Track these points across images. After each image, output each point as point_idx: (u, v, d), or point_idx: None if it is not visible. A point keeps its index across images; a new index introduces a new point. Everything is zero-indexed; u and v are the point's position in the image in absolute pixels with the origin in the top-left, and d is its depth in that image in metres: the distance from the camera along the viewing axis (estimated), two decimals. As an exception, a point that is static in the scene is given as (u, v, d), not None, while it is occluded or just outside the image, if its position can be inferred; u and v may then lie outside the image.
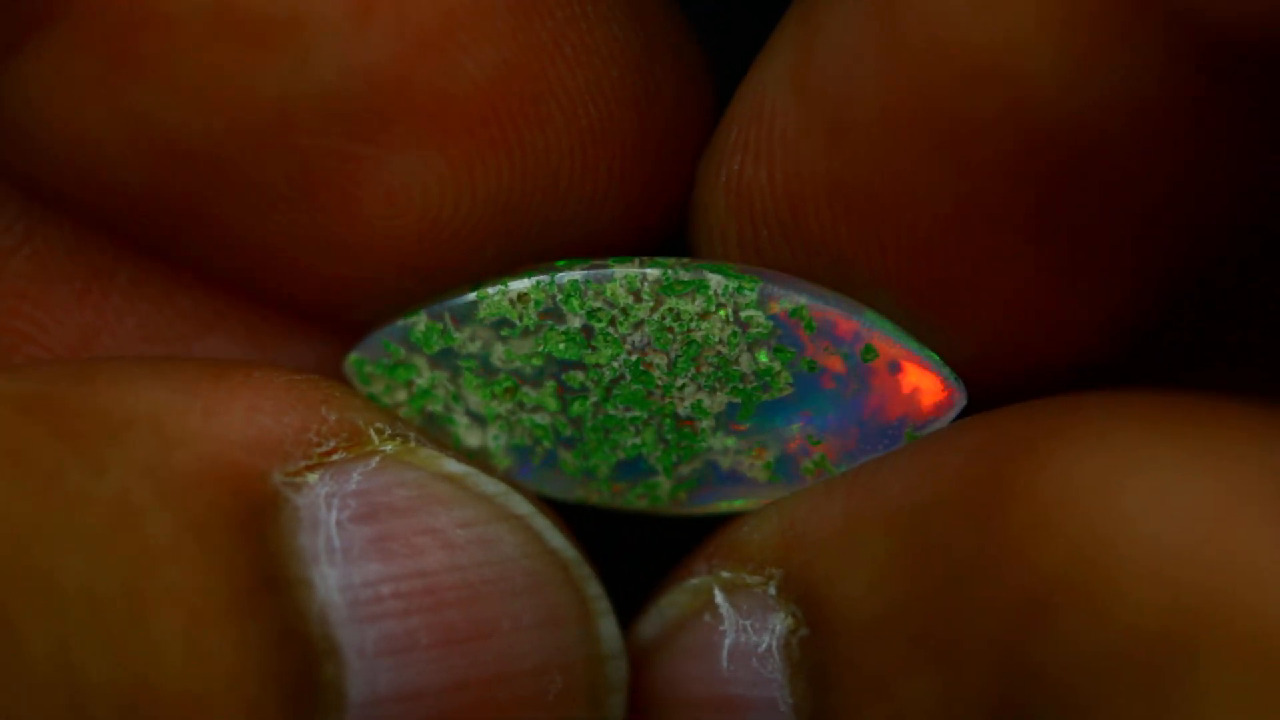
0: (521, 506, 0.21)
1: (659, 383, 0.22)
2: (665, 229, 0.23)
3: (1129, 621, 0.17)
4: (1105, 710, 0.17)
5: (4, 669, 0.17)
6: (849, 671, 0.20)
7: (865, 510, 0.21)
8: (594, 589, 0.21)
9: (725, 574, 0.22)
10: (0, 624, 0.17)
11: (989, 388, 0.22)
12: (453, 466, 0.21)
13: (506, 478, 0.21)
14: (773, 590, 0.21)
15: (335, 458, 0.20)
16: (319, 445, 0.20)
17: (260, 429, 0.20)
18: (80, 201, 0.22)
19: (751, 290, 0.22)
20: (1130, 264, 0.21)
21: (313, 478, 0.20)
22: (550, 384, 0.22)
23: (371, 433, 0.21)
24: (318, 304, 0.23)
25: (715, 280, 0.22)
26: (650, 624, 0.22)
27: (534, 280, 0.22)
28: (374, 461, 0.21)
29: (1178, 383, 0.22)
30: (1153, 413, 0.19)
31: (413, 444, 0.21)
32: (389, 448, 0.21)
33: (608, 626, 0.21)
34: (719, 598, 0.22)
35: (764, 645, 0.21)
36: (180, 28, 0.20)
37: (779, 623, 0.21)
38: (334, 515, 0.20)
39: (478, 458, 0.22)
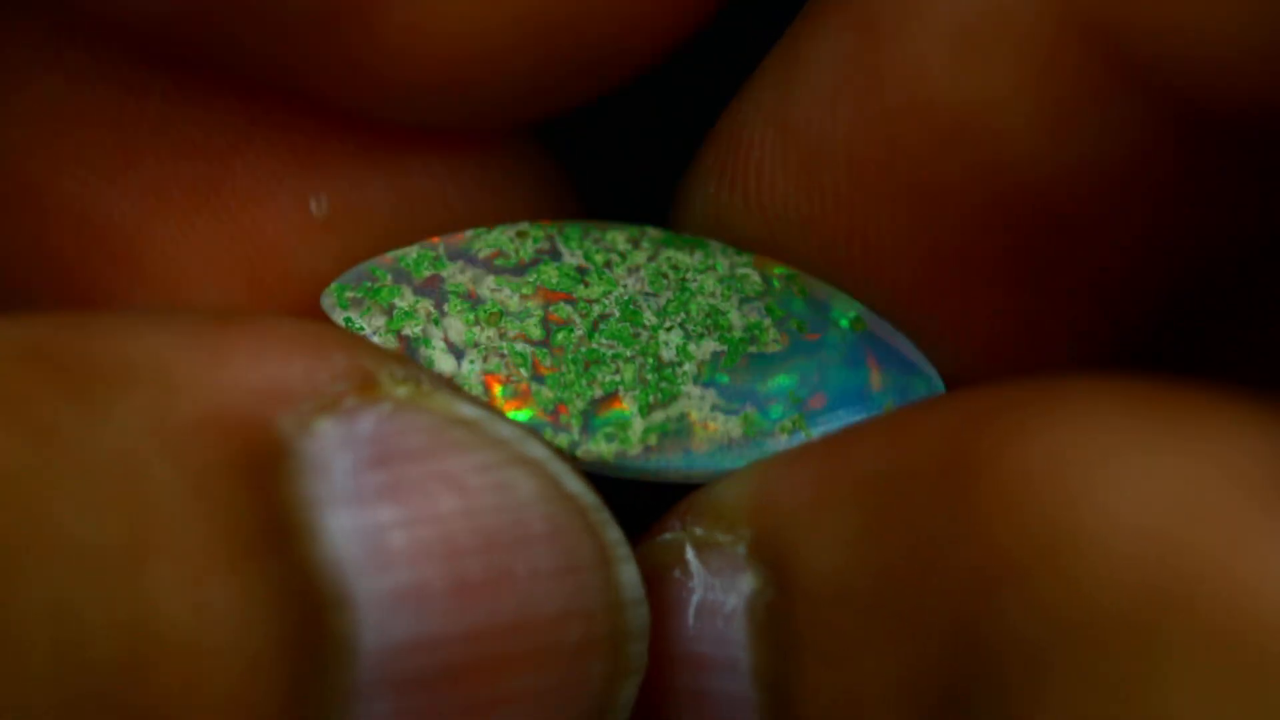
0: (537, 451, 0.20)
1: (646, 324, 0.22)
2: (691, 31, 0.23)
3: (1087, 600, 0.17)
4: (1050, 691, 0.17)
5: (2, 621, 0.17)
6: (810, 638, 0.20)
7: (836, 477, 0.21)
8: (613, 534, 0.21)
9: (698, 531, 0.22)
10: None
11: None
12: (467, 411, 0.20)
13: (521, 424, 0.21)
14: (742, 550, 0.21)
15: (346, 403, 0.20)
16: (329, 390, 0.20)
17: (267, 375, 0.20)
18: (106, 16, 0.22)
19: (748, 255, 0.22)
20: (1100, 311, 0.22)
21: (322, 423, 0.20)
22: (537, 313, 0.22)
23: (383, 377, 0.20)
24: (363, 110, 0.23)
25: (715, 242, 0.22)
26: None
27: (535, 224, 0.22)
28: (386, 406, 0.20)
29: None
30: (1125, 394, 0.19)
31: (426, 388, 0.20)
32: (401, 392, 0.20)
33: (628, 572, 0.21)
34: (689, 554, 0.22)
35: (730, 605, 0.21)
36: None
37: (747, 584, 0.21)
38: (345, 461, 0.19)
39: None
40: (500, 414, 0.21)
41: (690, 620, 0.21)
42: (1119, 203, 0.20)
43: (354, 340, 0.21)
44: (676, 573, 0.22)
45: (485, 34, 0.21)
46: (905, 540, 0.19)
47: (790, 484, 0.21)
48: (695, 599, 0.21)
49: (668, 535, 0.22)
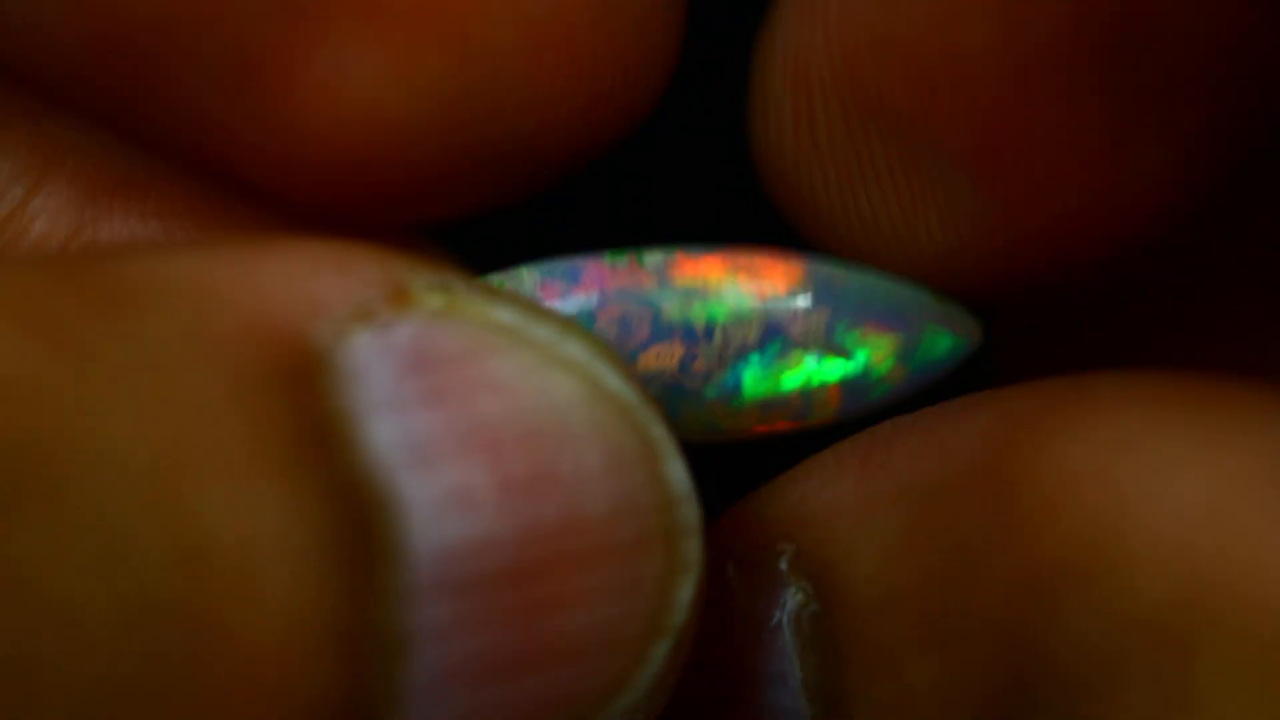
0: (576, 352, 0.20)
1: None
2: (624, 132, 0.23)
3: (1132, 607, 0.17)
4: (1110, 693, 0.17)
5: (47, 540, 0.17)
6: (858, 648, 0.20)
7: (876, 488, 0.21)
8: (658, 430, 0.20)
9: (739, 547, 0.22)
10: (41, 495, 0.17)
11: (1039, 277, 0.22)
12: (502, 315, 0.20)
13: (562, 323, 0.21)
14: (784, 565, 0.21)
15: (381, 314, 0.20)
16: (364, 300, 0.20)
17: (303, 286, 0.19)
18: (20, 67, 0.22)
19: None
20: (1192, 125, 0.21)
21: (358, 334, 0.20)
22: None
23: (417, 286, 0.20)
24: (267, 185, 0.22)
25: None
26: None
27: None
28: (420, 316, 0.20)
29: (1218, 282, 0.23)
30: (1161, 395, 0.19)
31: (460, 296, 0.20)
32: (435, 302, 0.20)
33: (675, 468, 0.20)
34: (730, 572, 0.22)
35: (775, 620, 0.21)
36: None
37: (790, 598, 0.21)
38: (383, 369, 0.19)
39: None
40: (538, 313, 0.20)
41: (738, 635, 0.22)
42: (1206, 20, 0.20)
43: (388, 254, 0.21)
44: (719, 590, 0.22)
45: (407, 106, 0.21)
46: (949, 547, 0.19)
47: (830, 496, 0.21)
48: (741, 615, 0.22)
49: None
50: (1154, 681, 0.17)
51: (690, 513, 0.20)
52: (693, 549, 0.20)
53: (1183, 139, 0.21)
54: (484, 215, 0.24)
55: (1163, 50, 0.20)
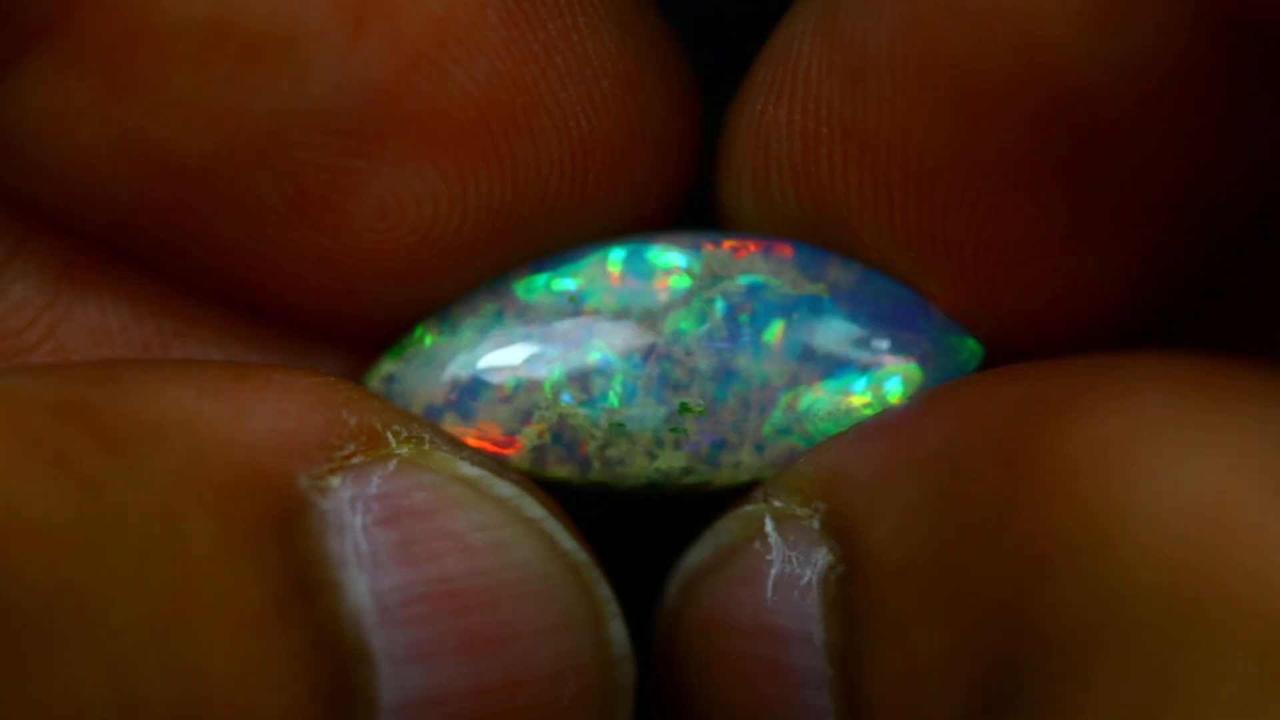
0: (534, 510, 0.21)
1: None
2: (660, 224, 0.24)
3: (1118, 587, 0.17)
4: (1084, 669, 0.17)
5: (54, 685, 0.17)
6: (875, 612, 0.20)
7: (902, 454, 0.21)
8: (604, 592, 0.21)
9: (778, 503, 0.22)
10: (53, 637, 0.17)
11: (1006, 352, 0.23)
12: (467, 469, 0.21)
13: (519, 481, 0.21)
14: (816, 524, 0.21)
15: (355, 460, 0.20)
16: (340, 448, 0.20)
17: (287, 432, 0.20)
18: (73, 218, 0.22)
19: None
20: (1147, 234, 0.21)
21: (335, 481, 0.20)
22: None
23: (389, 435, 0.21)
24: (313, 318, 0.23)
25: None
26: (703, 548, 0.23)
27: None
28: (391, 464, 0.20)
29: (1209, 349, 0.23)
30: (1184, 376, 0.19)
31: (427, 446, 0.21)
32: (405, 450, 0.21)
33: (617, 630, 0.21)
34: (769, 526, 0.22)
35: (806, 578, 0.21)
36: (175, 45, 0.20)
37: (820, 557, 0.21)
38: (358, 519, 0.20)
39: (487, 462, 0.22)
40: (501, 471, 0.21)
41: (769, 592, 0.21)
42: (1165, 116, 0.20)
43: (364, 398, 0.21)
44: (756, 544, 0.22)
45: (458, 226, 0.22)
46: (962, 518, 0.19)
47: (861, 458, 0.21)
48: (774, 571, 0.21)
49: (749, 507, 0.22)
50: (1128, 665, 0.17)
51: (626, 672, 0.21)
52: (624, 709, 0.21)
53: (1144, 245, 0.21)
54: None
55: (1120, 161, 0.21)
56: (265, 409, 0.20)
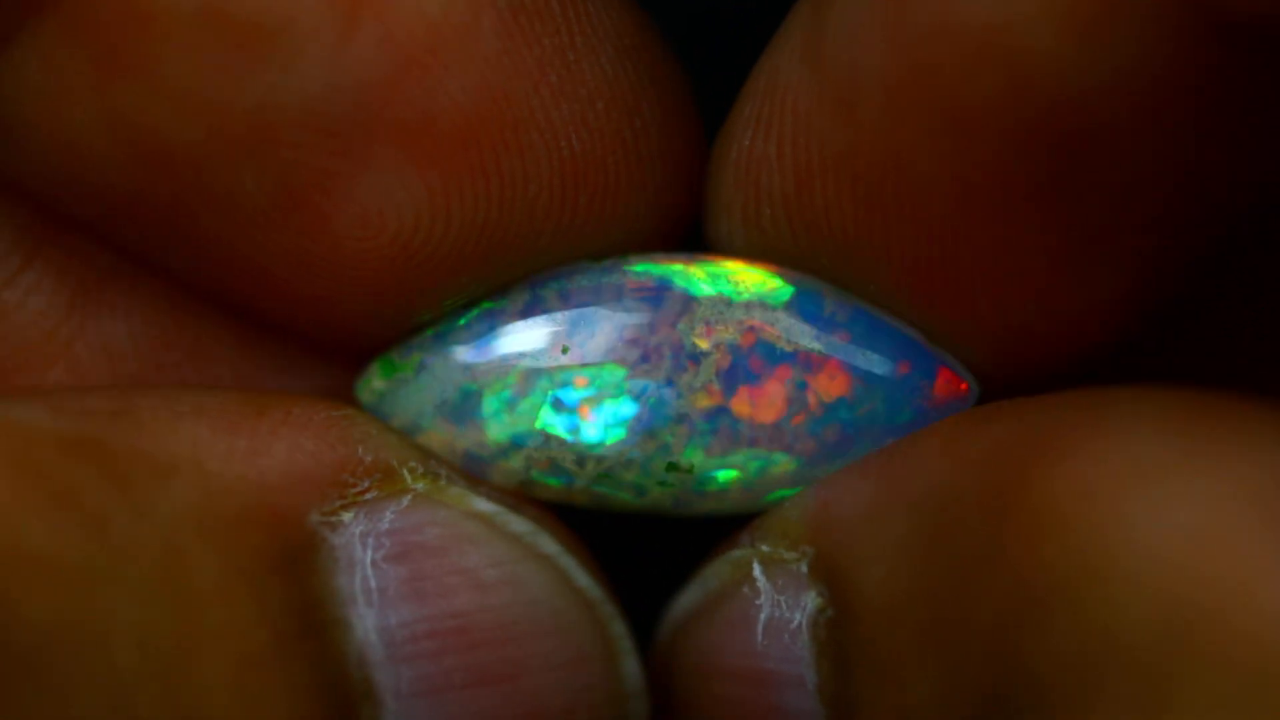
0: (549, 546, 0.21)
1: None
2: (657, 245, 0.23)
3: (1113, 625, 0.17)
4: (1082, 710, 0.17)
5: (66, 714, 0.17)
6: (866, 654, 0.20)
7: (891, 496, 0.21)
8: (618, 628, 0.21)
9: (765, 548, 0.22)
10: (52, 672, 0.17)
11: (1002, 381, 0.23)
12: (482, 505, 0.21)
13: (536, 515, 0.21)
14: (804, 569, 0.21)
15: (368, 496, 0.20)
16: (354, 485, 0.20)
17: (300, 470, 0.20)
18: (67, 206, 0.22)
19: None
20: (1139, 249, 0.21)
21: (347, 517, 0.20)
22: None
23: (404, 472, 0.21)
24: (300, 325, 0.23)
25: None
26: (692, 593, 0.23)
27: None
28: (406, 500, 0.21)
29: (1198, 373, 0.22)
30: (1170, 412, 0.19)
31: (443, 482, 0.21)
32: (420, 486, 0.21)
33: (630, 665, 0.21)
34: (757, 571, 0.22)
35: (795, 622, 0.21)
36: (168, 28, 0.20)
37: (809, 601, 0.21)
38: (369, 555, 0.20)
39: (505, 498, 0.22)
40: (517, 505, 0.21)
41: (759, 637, 0.21)
42: (1154, 130, 0.20)
43: (380, 432, 0.21)
44: (745, 589, 0.22)
45: (442, 237, 0.22)
46: (951, 559, 0.19)
47: (849, 501, 0.21)
48: (764, 616, 0.21)
49: (737, 552, 0.22)
50: (1127, 702, 0.17)
51: (639, 709, 0.21)
52: None
53: (1136, 259, 0.21)
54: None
55: (1111, 177, 0.20)
56: (280, 445, 0.20)
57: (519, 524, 0.21)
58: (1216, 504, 0.17)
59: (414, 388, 0.22)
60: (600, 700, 0.21)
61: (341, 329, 0.22)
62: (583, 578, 0.21)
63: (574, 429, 0.22)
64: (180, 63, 0.20)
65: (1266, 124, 0.20)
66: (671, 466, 0.22)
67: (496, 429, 0.22)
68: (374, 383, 0.23)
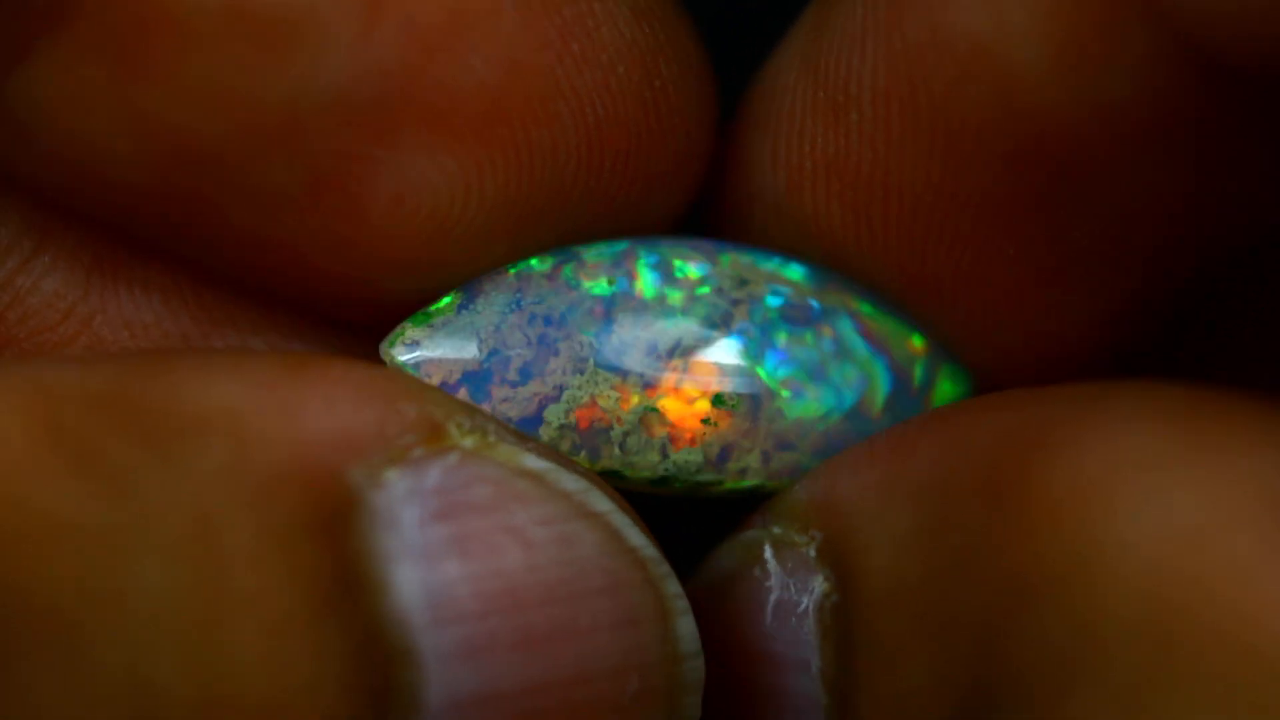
0: (601, 504, 0.21)
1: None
2: (673, 224, 0.24)
3: (1094, 617, 0.17)
4: (1058, 699, 0.17)
5: (75, 682, 0.17)
6: (867, 640, 0.20)
7: (897, 481, 0.21)
8: (672, 587, 0.21)
9: (776, 530, 0.22)
10: (72, 636, 0.17)
11: (991, 382, 0.23)
12: (532, 462, 0.21)
13: (588, 473, 0.21)
14: (813, 552, 0.22)
15: (414, 453, 0.20)
16: (397, 441, 0.20)
17: (339, 426, 0.20)
18: (88, 205, 0.22)
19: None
20: (1126, 268, 0.22)
21: (391, 474, 0.20)
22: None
23: (451, 427, 0.20)
24: (332, 307, 0.23)
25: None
26: (705, 574, 0.23)
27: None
28: (453, 457, 0.20)
29: (1198, 373, 0.23)
30: (1167, 407, 0.19)
31: (492, 439, 0.21)
32: (468, 443, 0.20)
33: (685, 625, 0.21)
34: (768, 553, 0.22)
35: (803, 606, 0.21)
36: (189, 29, 0.20)
37: (817, 585, 0.21)
38: (413, 513, 0.20)
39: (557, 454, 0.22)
40: (567, 463, 0.21)
41: (768, 618, 0.22)
42: (1143, 157, 0.20)
43: (423, 389, 0.21)
44: (756, 571, 0.22)
45: (475, 213, 0.22)
46: (950, 547, 0.19)
47: (856, 484, 0.22)
48: (773, 598, 0.22)
49: (749, 533, 0.22)
50: (1103, 695, 0.17)
51: (695, 668, 0.21)
52: (693, 705, 0.21)
53: (1125, 282, 0.22)
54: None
55: (1099, 201, 0.21)
56: (318, 402, 0.20)
57: (571, 481, 0.21)
58: (1212, 499, 0.17)
59: (447, 341, 0.22)
60: (653, 661, 0.21)
61: (373, 307, 0.22)
62: (636, 536, 0.21)
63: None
64: (205, 62, 0.20)
65: (1258, 158, 0.20)
66: (719, 399, 0.22)
67: (530, 389, 0.22)
68: (407, 333, 0.22)
